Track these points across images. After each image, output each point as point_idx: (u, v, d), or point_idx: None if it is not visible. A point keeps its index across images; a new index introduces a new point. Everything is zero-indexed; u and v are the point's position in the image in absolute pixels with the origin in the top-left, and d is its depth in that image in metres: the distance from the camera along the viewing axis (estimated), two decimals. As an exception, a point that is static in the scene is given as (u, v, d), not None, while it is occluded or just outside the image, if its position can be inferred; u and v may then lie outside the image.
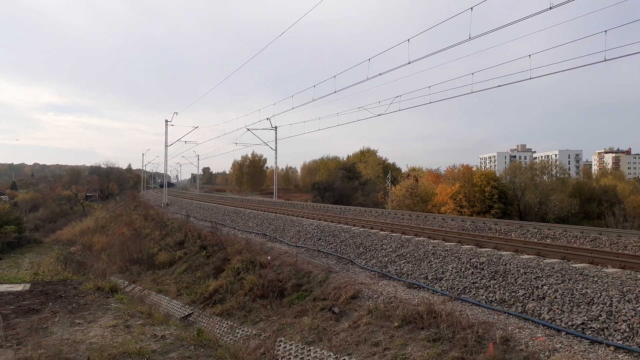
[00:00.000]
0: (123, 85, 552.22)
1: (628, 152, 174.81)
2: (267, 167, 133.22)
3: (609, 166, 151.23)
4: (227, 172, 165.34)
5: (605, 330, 8.74)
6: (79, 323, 9.37)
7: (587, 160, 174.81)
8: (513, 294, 11.10)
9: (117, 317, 9.92)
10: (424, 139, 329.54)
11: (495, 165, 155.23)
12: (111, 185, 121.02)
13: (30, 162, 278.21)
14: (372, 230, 20.14)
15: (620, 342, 8.32)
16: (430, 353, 8.84)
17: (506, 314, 10.37)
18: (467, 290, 12.11)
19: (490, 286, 11.80)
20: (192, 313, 17.52)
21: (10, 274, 22.29)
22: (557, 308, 9.88)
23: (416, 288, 13.09)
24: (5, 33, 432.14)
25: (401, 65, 19.86)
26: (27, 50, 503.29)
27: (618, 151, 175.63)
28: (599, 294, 9.75)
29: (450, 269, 13.42)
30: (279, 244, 22.05)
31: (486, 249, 14.71)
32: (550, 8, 13.84)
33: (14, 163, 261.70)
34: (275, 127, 54.73)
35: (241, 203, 47.92)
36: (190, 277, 21.67)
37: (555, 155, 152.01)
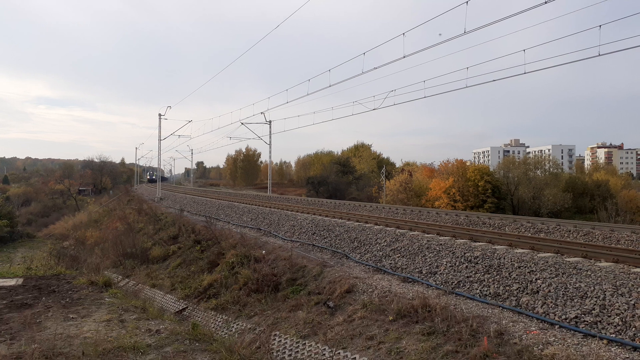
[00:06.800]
0: (115, 78, 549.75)
1: (620, 147, 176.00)
2: (261, 162, 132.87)
3: (602, 161, 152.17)
4: (221, 166, 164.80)
5: (599, 323, 8.80)
6: (72, 318, 9.33)
7: (580, 155, 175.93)
8: (507, 287, 11.15)
9: (111, 311, 9.88)
10: (418, 134, 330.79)
11: (489, 160, 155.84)
12: (104, 180, 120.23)
13: (22, 156, 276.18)
14: (367, 225, 20.15)
15: (614, 335, 8.39)
16: (425, 347, 8.87)
17: (500, 308, 10.42)
18: (462, 284, 12.16)
19: (484, 280, 11.85)
20: (187, 307, 17.49)
21: (2, 268, 22.13)
22: (551, 302, 9.94)
23: (411, 282, 13.13)
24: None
25: (396, 60, 19.82)
26: (18, 43, 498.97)
27: (610, 146, 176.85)
28: (592, 288, 9.81)
29: (445, 263, 13.47)
30: (274, 238, 22.03)
31: (480, 243, 14.75)
32: (546, 2, 13.83)
33: (6, 157, 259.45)
34: (270, 122, 54.59)
35: (235, 197, 47.83)
36: (184, 271, 21.62)
37: (549, 150, 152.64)
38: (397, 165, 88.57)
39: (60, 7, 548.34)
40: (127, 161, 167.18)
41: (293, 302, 13.64)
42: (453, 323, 9.37)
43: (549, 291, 10.30)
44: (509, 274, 11.63)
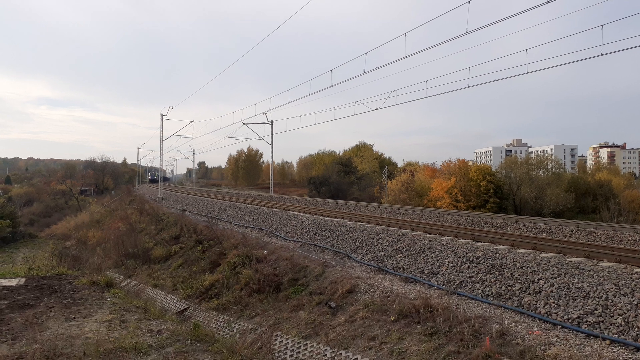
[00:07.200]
0: (116, 78, 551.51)
1: (623, 147, 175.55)
2: (263, 162, 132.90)
3: (604, 161, 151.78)
4: (223, 166, 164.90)
5: (601, 324, 8.77)
6: (74, 318, 9.33)
7: (582, 155, 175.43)
8: (509, 288, 11.12)
9: (112, 311, 9.88)
10: (420, 134, 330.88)
11: (491, 160, 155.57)
12: (106, 180, 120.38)
13: (24, 157, 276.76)
14: (369, 225, 20.13)
15: (616, 335, 8.36)
16: (427, 347, 8.85)
17: (502, 308, 10.39)
18: (464, 285, 12.13)
19: (486, 280, 11.82)
20: (188, 308, 17.49)
21: (4, 268, 22.19)
22: (553, 302, 9.91)
23: (412, 282, 13.10)
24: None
25: (398, 59, 19.80)
26: (18, 43, 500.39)
27: (613, 146, 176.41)
28: (594, 288, 9.78)
29: (447, 263, 13.44)
30: (275, 238, 22.02)
31: (482, 243, 14.72)
32: (548, 2, 13.78)
33: (8, 157, 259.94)
34: (272, 122, 54.59)
35: (237, 197, 47.85)
36: (186, 271, 21.63)
37: (551, 150, 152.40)
38: (399, 165, 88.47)
39: (60, 7, 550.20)
40: (129, 161, 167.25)
41: (295, 302, 13.63)
42: (455, 323, 9.35)
43: (551, 291, 10.27)
44: (511, 274, 11.60)
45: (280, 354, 11.30)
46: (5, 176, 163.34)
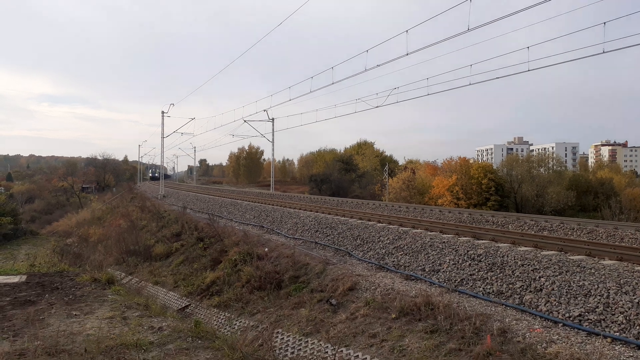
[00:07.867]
0: (118, 75, 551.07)
1: (624, 145, 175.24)
2: (264, 159, 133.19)
3: (606, 159, 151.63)
4: (224, 164, 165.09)
5: (602, 321, 8.76)
6: (75, 315, 9.34)
7: (583, 153, 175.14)
8: (510, 285, 11.11)
9: (114, 308, 9.89)
10: (421, 131, 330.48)
11: (492, 158, 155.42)
12: (107, 177, 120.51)
13: (25, 154, 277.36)
14: (370, 222, 20.13)
15: (617, 333, 8.35)
16: (428, 345, 8.85)
17: (503, 306, 10.38)
18: (465, 282, 12.12)
19: (487, 278, 11.81)
20: (189, 305, 17.51)
21: (6, 265, 22.22)
22: (554, 300, 9.90)
23: (414, 280, 13.10)
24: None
25: (399, 57, 19.78)
26: (20, 39, 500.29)
27: (614, 144, 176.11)
28: (596, 286, 9.77)
29: (448, 260, 13.43)
30: (277, 236, 22.02)
31: (483, 241, 14.70)
32: (550, -1, 13.74)
33: (9, 154, 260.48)
34: (273, 119, 54.55)
35: (238, 195, 47.86)
36: (187, 268, 21.65)
37: (552, 148, 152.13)
38: (400, 163, 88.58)
39: (61, 2, 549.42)
40: (130, 159, 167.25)
41: (296, 300, 13.64)
42: (456, 321, 9.35)
43: (553, 289, 10.26)
44: (512, 272, 11.59)
45: (281, 351, 11.32)
46: (7, 173, 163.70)
